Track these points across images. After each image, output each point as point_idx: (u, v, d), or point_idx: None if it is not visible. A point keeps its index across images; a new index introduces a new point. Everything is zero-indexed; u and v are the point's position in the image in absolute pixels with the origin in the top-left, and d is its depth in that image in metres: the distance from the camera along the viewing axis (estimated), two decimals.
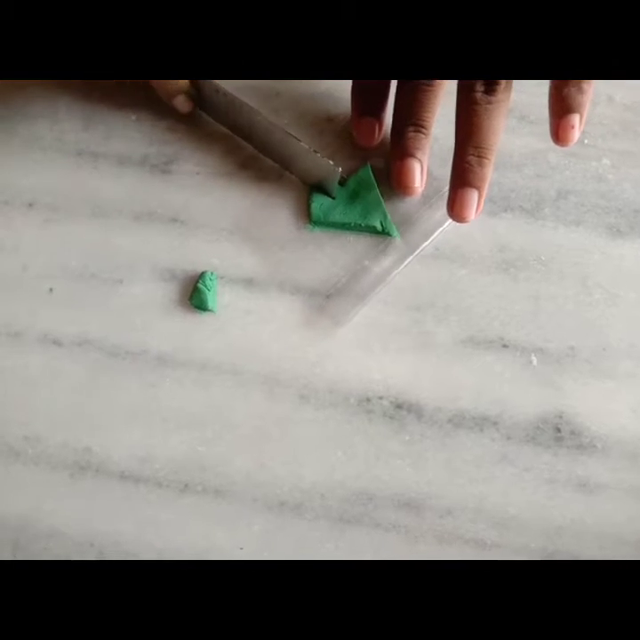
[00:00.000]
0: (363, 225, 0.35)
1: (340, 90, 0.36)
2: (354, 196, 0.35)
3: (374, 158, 0.36)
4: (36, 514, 0.32)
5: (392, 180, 0.34)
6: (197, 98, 0.35)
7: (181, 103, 0.35)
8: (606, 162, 0.36)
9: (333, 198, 0.35)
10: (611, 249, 0.35)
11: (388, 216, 0.35)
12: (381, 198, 0.35)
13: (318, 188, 0.35)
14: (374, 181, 0.35)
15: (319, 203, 0.35)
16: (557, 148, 0.36)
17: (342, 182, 0.35)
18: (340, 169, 0.34)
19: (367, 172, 0.35)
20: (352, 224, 0.35)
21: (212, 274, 0.34)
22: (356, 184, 0.35)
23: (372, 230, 0.35)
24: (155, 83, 0.34)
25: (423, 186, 0.34)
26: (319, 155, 0.33)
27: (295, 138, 0.34)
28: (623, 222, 0.35)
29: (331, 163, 0.33)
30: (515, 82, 0.37)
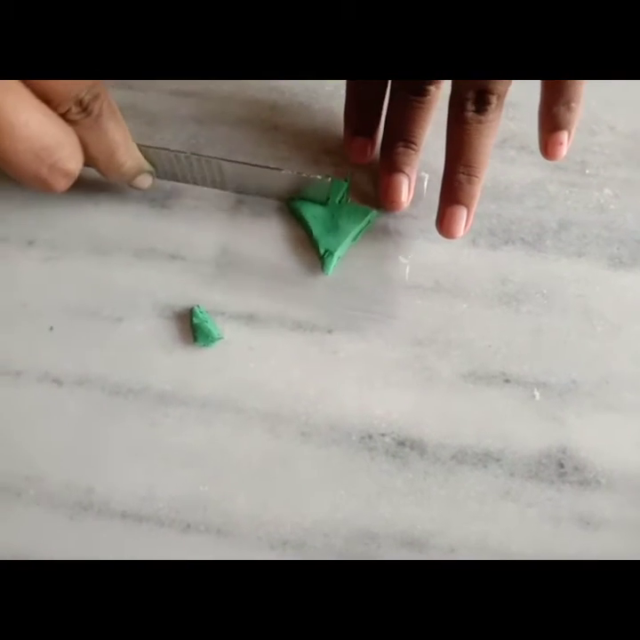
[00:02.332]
0: (364, 222, 0.35)
1: (338, 122, 0.36)
2: (338, 208, 0.35)
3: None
4: (37, 554, 0.32)
5: (379, 194, 0.35)
6: (156, 170, 0.34)
7: (142, 181, 0.34)
8: (608, 191, 0.36)
9: (324, 202, 0.35)
10: (613, 280, 0.35)
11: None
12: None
13: (314, 205, 0.35)
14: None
15: (321, 234, 0.35)
16: (558, 178, 0.36)
17: (326, 201, 0.35)
18: (330, 178, 0.34)
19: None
20: (358, 229, 0.35)
21: (199, 307, 0.34)
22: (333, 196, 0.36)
23: (372, 222, 0.35)
24: (105, 171, 0.32)
25: (409, 201, 0.35)
26: (304, 174, 0.34)
27: (274, 168, 0.33)
28: (626, 253, 0.35)
29: (318, 177, 0.34)
30: (514, 112, 0.37)
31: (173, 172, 0.35)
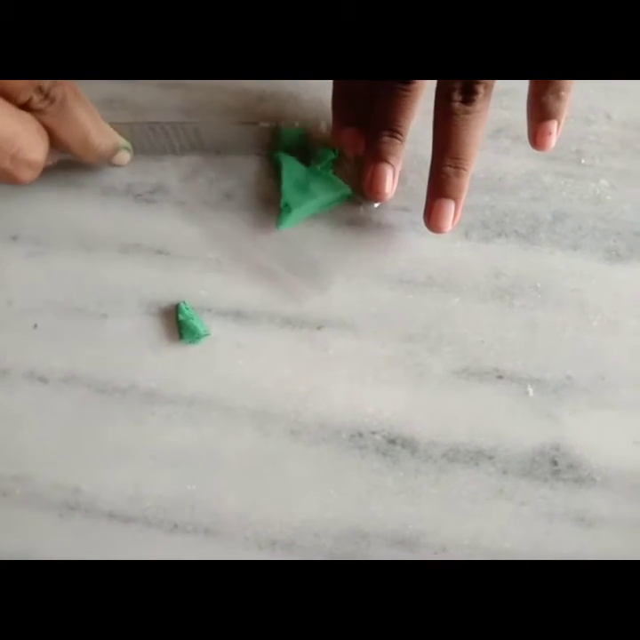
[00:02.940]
0: (336, 194, 0.35)
1: (327, 113, 0.35)
2: (316, 173, 0.35)
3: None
4: (25, 555, 0.32)
5: (363, 183, 0.34)
6: (132, 145, 0.34)
7: (121, 159, 0.33)
8: (604, 182, 0.35)
9: (307, 163, 0.35)
10: (610, 273, 0.34)
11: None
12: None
13: (296, 162, 0.35)
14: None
15: (288, 188, 0.35)
16: (553, 168, 0.35)
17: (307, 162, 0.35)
18: (297, 123, 0.34)
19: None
20: (327, 199, 0.35)
21: (184, 303, 0.33)
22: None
23: (343, 198, 0.35)
24: (82, 155, 0.32)
25: (393, 192, 0.34)
26: (279, 125, 0.34)
27: (250, 123, 0.34)
28: (622, 245, 0.34)
29: (296, 124, 0.34)
30: (509, 100, 0.36)
31: (150, 143, 0.35)
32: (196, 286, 0.34)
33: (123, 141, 0.33)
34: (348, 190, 0.35)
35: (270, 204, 0.35)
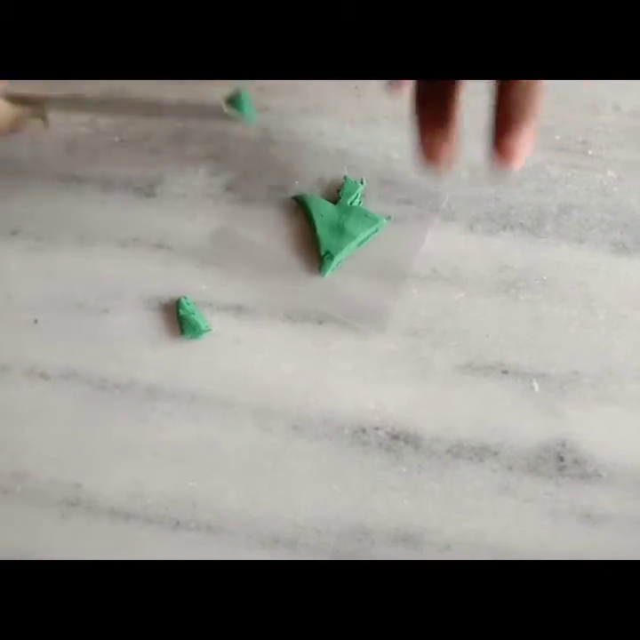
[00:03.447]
0: (371, 230, 0.34)
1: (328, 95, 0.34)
2: (347, 210, 0.34)
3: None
4: (26, 552, 0.32)
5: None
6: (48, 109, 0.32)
7: (33, 128, 0.31)
8: (611, 174, 0.34)
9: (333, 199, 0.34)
10: (616, 267, 0.34)
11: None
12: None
13: (324, 202, 0.34)
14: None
15: (324, 234, 0.34)
16: (559, 159, 0.35)
17: (336, 200, 0.34)
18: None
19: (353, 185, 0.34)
20: (364, 236, 0.34)
21: (186, 298, 0.33)
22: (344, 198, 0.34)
23: (377, 230, 0.34)
24: None
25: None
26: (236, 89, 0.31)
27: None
28: (629, 238, 0.34)
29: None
30: None
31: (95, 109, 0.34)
32: (196, 281, 0.34)
33: (28, 113, 0.31)
34: (383, 221, 0.34)
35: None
